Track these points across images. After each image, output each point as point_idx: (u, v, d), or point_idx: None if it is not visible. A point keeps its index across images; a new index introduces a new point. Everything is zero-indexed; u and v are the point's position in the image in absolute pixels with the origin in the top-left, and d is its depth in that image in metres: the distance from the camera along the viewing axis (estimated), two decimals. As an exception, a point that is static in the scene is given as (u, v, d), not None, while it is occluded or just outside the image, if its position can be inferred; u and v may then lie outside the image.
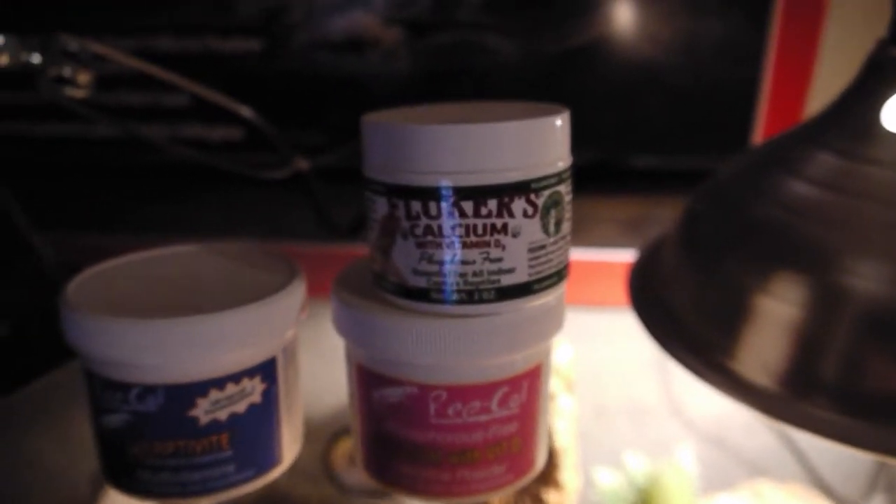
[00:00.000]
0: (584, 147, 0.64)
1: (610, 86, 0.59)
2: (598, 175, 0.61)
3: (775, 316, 0.33)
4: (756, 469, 0.60)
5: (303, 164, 0.41)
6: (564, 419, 0.50)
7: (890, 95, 0.33)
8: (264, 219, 0.57)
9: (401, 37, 0.57)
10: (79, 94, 0.36)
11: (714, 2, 0.57)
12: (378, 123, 0.23)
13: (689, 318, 0.37)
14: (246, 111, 0.41)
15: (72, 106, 0.35)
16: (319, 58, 0.58)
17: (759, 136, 0.59)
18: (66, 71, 0.35)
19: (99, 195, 0.63)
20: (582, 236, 0.60)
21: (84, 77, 0.35)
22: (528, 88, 0.60)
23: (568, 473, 0.50)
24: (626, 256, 0.46)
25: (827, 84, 0.57)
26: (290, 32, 0.58)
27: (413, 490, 0.26)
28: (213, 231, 0.53)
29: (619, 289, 0.43)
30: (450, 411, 0.25)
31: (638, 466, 0.56)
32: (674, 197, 0.45)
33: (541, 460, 0.28)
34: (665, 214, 0.47)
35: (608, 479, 0.56)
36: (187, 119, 0.60)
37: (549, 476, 0.50)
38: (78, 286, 0.26)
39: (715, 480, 0.57)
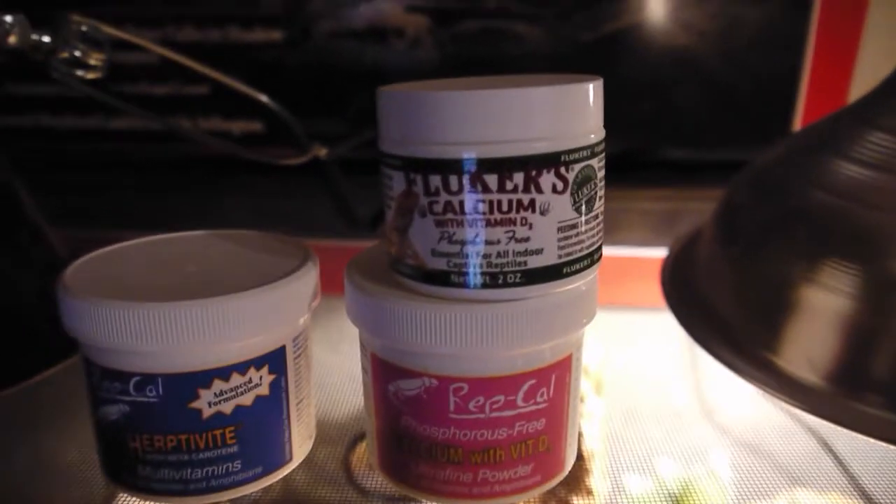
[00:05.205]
0: (613, 138, 0.61)
1: (643, 74, 0.57)
2: (629, 167, 0.58)
3: (823, 307, 0.31)
4: (794, 477, 0.56)
5: (321, 151, 0.39)
6: (594, 422, 0.47)
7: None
8: (284, 213, 0.56)
9: (425, 25, 0.56)
10: (90, 75, 0.34)
11: (752, -14, 0.54)
12: (394, 93, 0.22)
13: (727, 311, 0.34)
14: (264, 97, 0.39)
15: (83, 89, 0.34)
16: (342, 47, 0.57)
17: (799, 126, 0.56)
18: (78, 52, 0.34)
19: (111, 189, 0.62)
20: (610, 232, 0.58)
21: (96, 58, 0.34)
22: (556, 78, 0.57)
23: (598, 479, 0.48)
24: (656, 254, 0.44)
25: (871, 72, 0.54)
26: (312, 22, 0.57)
27: (432, 492, 0.24)
28: (230, 225, 0.52)
29: (650, 288, 0.40)
30: (471, 406, 0.23)
31: (670, 473, 0.53)
32: (708, 190, 0.43)
33: (570, 461, 0.26)
34: (699, 208, 0.45)
35: (638, 486, 0.53)
36: (208, 111, 0.59)
37: (579, 482, 0.47)
38: (77, 270, 0.24)
39: (751, 489, 0.54)
